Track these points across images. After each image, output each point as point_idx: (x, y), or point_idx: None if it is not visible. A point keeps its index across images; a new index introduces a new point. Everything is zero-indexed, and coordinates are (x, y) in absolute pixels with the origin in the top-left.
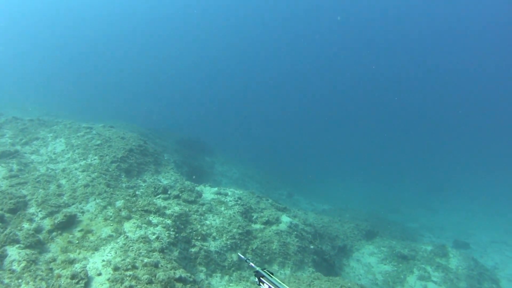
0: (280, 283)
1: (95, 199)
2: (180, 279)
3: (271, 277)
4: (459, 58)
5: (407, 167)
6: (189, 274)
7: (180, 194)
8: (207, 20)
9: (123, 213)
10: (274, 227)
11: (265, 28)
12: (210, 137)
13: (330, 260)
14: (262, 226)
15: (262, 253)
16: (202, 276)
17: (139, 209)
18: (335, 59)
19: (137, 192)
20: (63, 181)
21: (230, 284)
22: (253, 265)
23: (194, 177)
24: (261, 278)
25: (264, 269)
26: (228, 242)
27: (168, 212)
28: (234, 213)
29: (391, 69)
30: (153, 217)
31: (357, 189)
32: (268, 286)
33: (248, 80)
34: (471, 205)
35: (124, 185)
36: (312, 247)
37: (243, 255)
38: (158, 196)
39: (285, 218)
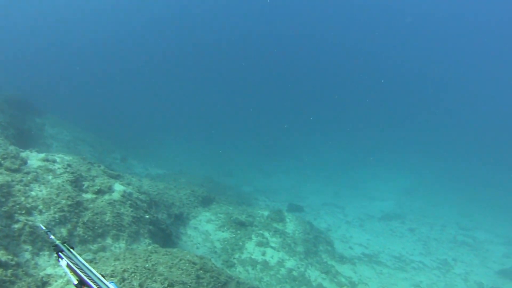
0: (80, 259)
1: None
2: None
3: (71, 252)
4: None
5: (240, 130)
6: (10, 257)
7: (1, 162)
8: None
9: None
10: (106, 197)
11: None
12: (40, 97)
13: (167, 230)
14: (94, 196)
15: (94, 226)
16: (27, 255)
17: None
18: None
19: None
20: None
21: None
22: (52, 237)
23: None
24: (59, 253)
25: (64, 242)
26: (57, 216)
27: None
28: (63, 182)
29: None
30: None
31: (191, 152)
32: (66, 263)
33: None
34: (304, 169)
35: None
36: (147, 216)
37: (46, 227)
38: None
39: (118, 187)
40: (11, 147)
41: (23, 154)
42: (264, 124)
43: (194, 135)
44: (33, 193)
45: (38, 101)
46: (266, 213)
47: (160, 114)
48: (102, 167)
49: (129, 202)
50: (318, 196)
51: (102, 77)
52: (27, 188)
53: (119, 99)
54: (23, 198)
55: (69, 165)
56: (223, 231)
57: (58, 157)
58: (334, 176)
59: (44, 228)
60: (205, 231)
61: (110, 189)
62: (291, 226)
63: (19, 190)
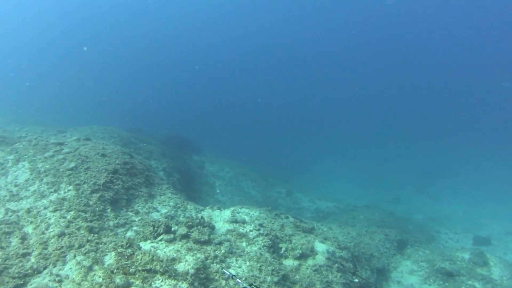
0: None
1: (74, 256)
2: None
3: None
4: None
5: (401, 151)
6: None
7: (189, 232)
8: (194, 13)
9: (118, 279)
10: (310, 262)
11: (255, 27)
12: (196, 134)
13: None
14: (297, 263)
15: None
16: None
17: (139, 268)
18: (317, 51)
19: (130, 234)
20: (29, 229)
21: None
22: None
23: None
24: None
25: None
26: None
27: (180, 268)
28: (260, 249)
29: (380, 55)
30: (162, 281)
31: (351, 178)
32: None
33: (232, 73)
34: (473, 191)
35: (111, 223)
36: (356, 280)
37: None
38: (160, 238)
39: (319, 246)
40: (190, 206)
41: (204, 214)
42: (421, 142)
43: (350, 159)
44: (231, 271)
45: (193, 137)
46: (466, 255)
47: (316, 141)
48: (291, 219)
49: (336, 265)
50: (497, 223)
51: (252, 108)
52: (223, 265)
53: (272, 128)
54: (224, 283)
55: (261, 225)
56: (430, 284)
57: (244, 213)
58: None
59: (228, 272)
60: (410, 285)
61: (312, 251)
62: (496, 271)
63: (216, 271)
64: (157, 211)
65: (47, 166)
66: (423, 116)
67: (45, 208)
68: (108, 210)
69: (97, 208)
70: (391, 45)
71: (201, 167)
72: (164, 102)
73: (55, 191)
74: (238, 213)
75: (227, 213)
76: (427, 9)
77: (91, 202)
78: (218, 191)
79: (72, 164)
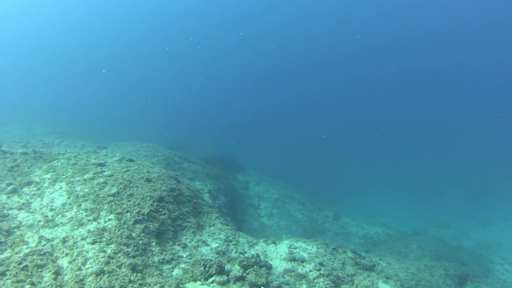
0: None
1: None
2: None
3: None
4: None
5: (443, 172)
6: None
7: (244, 274)
8: (235, 25)
9: None
10: None
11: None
12: (240, 152)
13: None
14: None
15: None
16: None
17: None
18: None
19: (177, 272)
20: (64, 263)
21: None
22: None
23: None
24: None
25: None
26: None
27: None
28: None
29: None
30: None
31: (396, 199)
32: None
33: (273, 88)
34: None
35: (156, 259)
36: None
37: None
38: (212, 280)
39: (383, 287)
40: (242, 239)
41: (258, 249)
42: (468, 162)
43: (395, 179)
44: None
45: (237, 155)
46: None
47: (359, 162)
48: (350, 254)
49: None
50: None
51: (297, 126)
52: None
53: (317, 145)
54: None
55: (321, 264)
56: None
57: (301, 248)
58: None
59: None
60: None
61: None
62: None
63: None
64: (207, 245)
65: (86, 190)
66: (469, 134)
67: (82, 239)
68: (153, 243)
69: (140, 241)
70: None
71: (245, 187)
72: (207, 117)
73: (95, 219)
74: (295, 248)
75: (283, 249)
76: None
77: (134, 234)
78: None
79: (114, 190)
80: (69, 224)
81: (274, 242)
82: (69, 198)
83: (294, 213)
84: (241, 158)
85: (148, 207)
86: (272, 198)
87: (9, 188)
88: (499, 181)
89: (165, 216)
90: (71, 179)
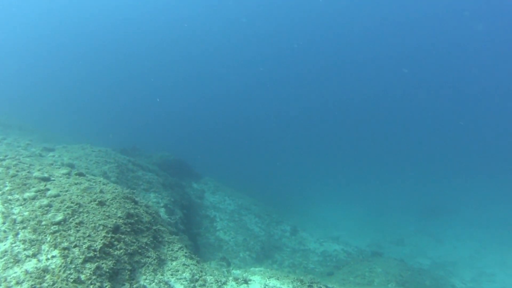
0: None
1: None
2: None
3: None
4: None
5: (400, 185)
6: None
7: None
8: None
9: None
10: None
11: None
12: (194, 157)
13: None
14: None
15: None
16: None
17: None
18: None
19: None
20: None
21: None
22: None
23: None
24: None
25: None
26: None
27: None
28: None
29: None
30: None
31: (351, 212)
32: None
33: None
34: (478, 233)
35: None
36: None
37: None
38: None
39: None
40: (210, 278)
41: None
42: (422, 176)
43: (350, 194)
44: None
45: (191, 160)
46: None
47: (315, 173)
48: None
49: None
50: (506, 270)
51: (255, 129)
52: None
53: (272, 150)
54: None
55: None
56: None
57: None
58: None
59: None
60: None
61: None
62: None
63: None
64: (170, 287)
65: (26, 214)
66: (424, 147)
67: (17, 283)
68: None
69: (91, 287)
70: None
71: (201, 196)
72: (157, 117)
73: (34, 255)
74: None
75: None
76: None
77: (83, 277)
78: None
79: (60, 216)
80: (2, 260)
81: (245, 281)
82: (4, 223)
83: (251, 227)
84: (196, 163)
85: (101, 240)
86: (228, 209)
87: None
88: (452, 196)
89: (121, 251)
90: (8, 197)
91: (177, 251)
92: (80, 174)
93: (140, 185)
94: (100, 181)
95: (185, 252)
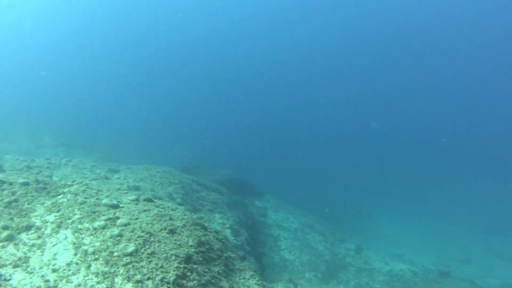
0: None
1: None
2: None
3: None
4: None
5: (459, 200)
6: None
7: None
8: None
9: None
10: None
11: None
12: (254, 174)
13: None
14: None
15: None
16: None
17: None
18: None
19: None
20: None
21: None
22: None
23: None
24: None
25: None
26: None
27: None
28: None
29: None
30: None
31: (412, 228)
32: None
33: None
34: None
35: None
36: None
37: None
38: None
39: None
40: None
41: None
42: (486, 192)
43: (410, 206)
44: None
45: (253, 178)
46: None
47: (372, 186)
48: None
49: None
50: None
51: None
52: None
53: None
54: None
55: None
56: None
57: None
58: None
59: None
60: None
61: None
62: None
63: None
64: None
65: (97, 244)
66: (489, 158)
67: None
68: None
69: None
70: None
71: (264, 214)
72: (218, 134)
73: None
74: None
75: None
76: None
77: None
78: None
79: (132, 247)
80: None
81: None
82: (76, 254)
83: (315, 245)
84: (257, 180)
85: (174, 271)
86: (292, 227)
87: (4, 234)
88: None
89: (194, 282)
90: (79, 226)
91: (249, 279)
92: (148, 200)
93: (205, 206)
94: (168, 207)
95: (257, 280)
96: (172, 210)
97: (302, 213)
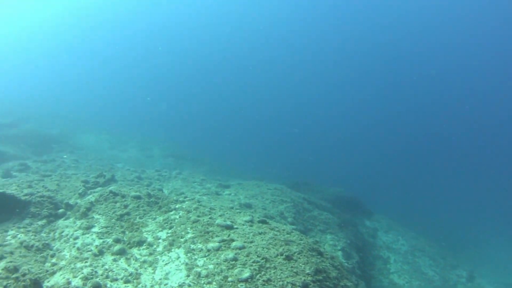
0: None
1: None
2: None
3: None
4: None
5: None
6: None
7: None
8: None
9: None
10: None
11: None
12: (363, 191)
13: None
14: None
15: None
16: None
17: None
18: None
19: None
20: None
21: None
22: None
23: None
24: None
25: None
26: None
27: None
28: None
29: None
30: None
31: None
32: None
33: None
34: None
35: None
36: None
37: None
38: None
39: None
40: None
41: None
42: None
43: None
44: None
45: (362, 196)
46: None
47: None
48: None
49: None
50: None
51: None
52: None
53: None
54: None
55: None
56: None
57: None
58: None
59: None
60: None
61: None
62: None
63: None
64: None
65: (211, 267)
66: None
67: None
68: None
69: None
70: None
71: (373, 235)
72: (323, 146)
73: None
74: None
75: None
76: None
77: None
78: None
79: (247, 273)
80: None
81: None
82: (188, 276)
83: (425, 270)
84: (366, 198)
85: None
86: (402, 250)
87: (117, 247)
88: None
89: None
90: (191, 246)
91: None
92: (263, 222)
93: (317, 226)
94: (283, 230)
95: None
96: (288, 233)
97: (413, 235)
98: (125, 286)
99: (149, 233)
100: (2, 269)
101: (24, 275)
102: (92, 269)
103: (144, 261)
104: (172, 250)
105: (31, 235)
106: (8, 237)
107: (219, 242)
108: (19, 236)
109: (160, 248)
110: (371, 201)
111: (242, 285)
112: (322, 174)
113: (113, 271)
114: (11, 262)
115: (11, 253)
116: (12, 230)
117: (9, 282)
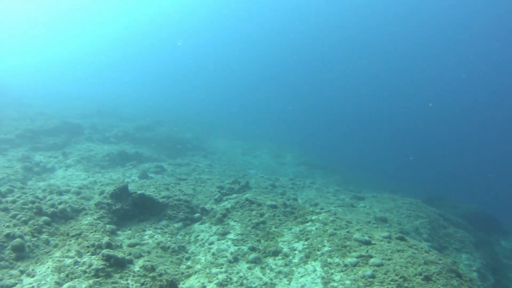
0: None
1: None
2: None
3: None
4: None
5: None
6: None
7: None
8: None
9: None
10: None
11: None
12: (498, 207)
13: None
14: None
15: None
16: None
17: None
18: None
19: None
20: None
21: None
22: None
23: None
24: None
25: None
26: None
27: None
28: None
29: None
30: None
31: None
32: None
33: None
34: None
35: None
36: None
37: None
38: None
39: None
40: None
41: None
42: None
43: None
44: None
45: (498, 213)
46: None
47: None
48: None
49: None
50: None
51: None
52: None
53: None
54: None
55: None
56: None
57: None
58: None
59: None
60: None
61: None
62: None
63: None
64: None
65: (348, 283)
66: None
67: None
68: None
69: None
70: None
71: (509, 256)
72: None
73: None
74: None
75: None
76: None
77: None
78: None
79: None
80: None
81: None
82: None
83: None
84: (502, 215)
85: None
86: None
87: (252, 255)
88: None
89: None
90: (328, 260)
91: None
92: (401, 238)
93: (452, 244)
94: (422, 248)
95: None
96: (426, 252)
97: None
98: None
99: (284, 243)
100: (140, 267)
101: (160, 275)
102: (227, 276)
103: (280, 272)
104: (309, 262)
105: (168, 237)
106: (146, 237)
107: (356, 258)
108: (156, 236)
109: (296, 260)
110: (506, 218)
111: None
112: (451, 184)
113: (248, 279)
114: (148, 261)
115: (149, 252)
116: (149, 230)
117: (146, 280)
